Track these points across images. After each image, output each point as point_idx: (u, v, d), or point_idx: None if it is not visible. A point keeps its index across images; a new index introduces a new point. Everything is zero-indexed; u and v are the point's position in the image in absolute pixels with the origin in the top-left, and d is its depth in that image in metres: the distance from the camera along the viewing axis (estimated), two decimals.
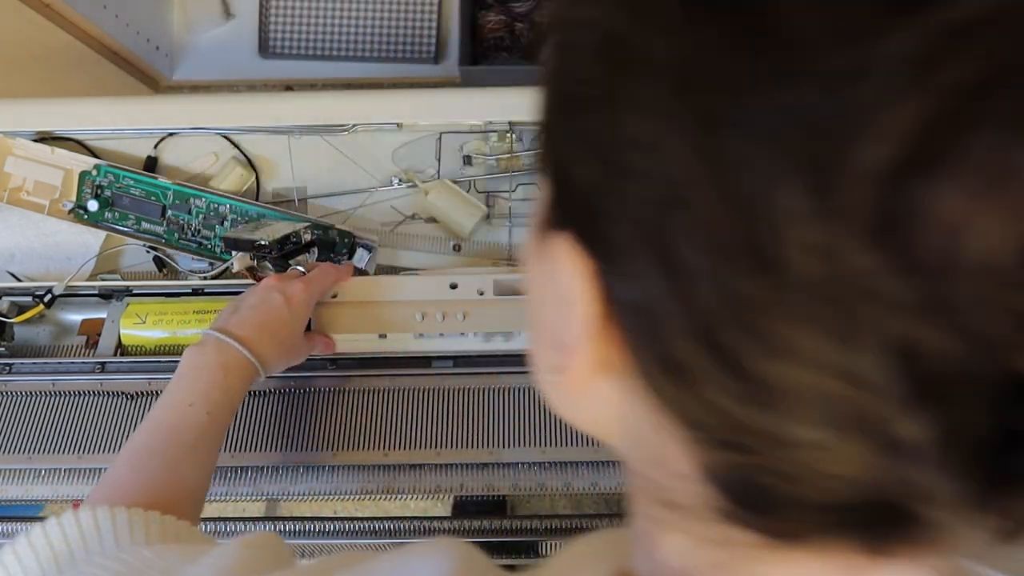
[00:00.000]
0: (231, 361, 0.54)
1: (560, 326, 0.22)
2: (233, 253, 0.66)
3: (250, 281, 0.65)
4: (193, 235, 0.72)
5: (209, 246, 0.72)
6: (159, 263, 0.74)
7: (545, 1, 1.24)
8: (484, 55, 1.19)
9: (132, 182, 0.72)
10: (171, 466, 0.50)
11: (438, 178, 0.73)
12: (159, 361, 0.65)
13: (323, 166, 0.74)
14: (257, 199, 0.74)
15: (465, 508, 1.13)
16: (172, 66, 1.34)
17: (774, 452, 0.17)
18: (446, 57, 1.32)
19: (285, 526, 0.64)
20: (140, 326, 0.66)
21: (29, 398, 0.65)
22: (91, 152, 0.74)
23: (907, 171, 0.14)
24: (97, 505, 0.42)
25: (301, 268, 0.63)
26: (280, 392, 0.64)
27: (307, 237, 0.65)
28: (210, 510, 1.24)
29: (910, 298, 0.15)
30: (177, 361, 0.64)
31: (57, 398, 0.64)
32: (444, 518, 0.63)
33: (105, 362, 0.65)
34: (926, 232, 0.15)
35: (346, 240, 0.70)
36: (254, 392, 0.64)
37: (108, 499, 0.44)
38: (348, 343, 0.63)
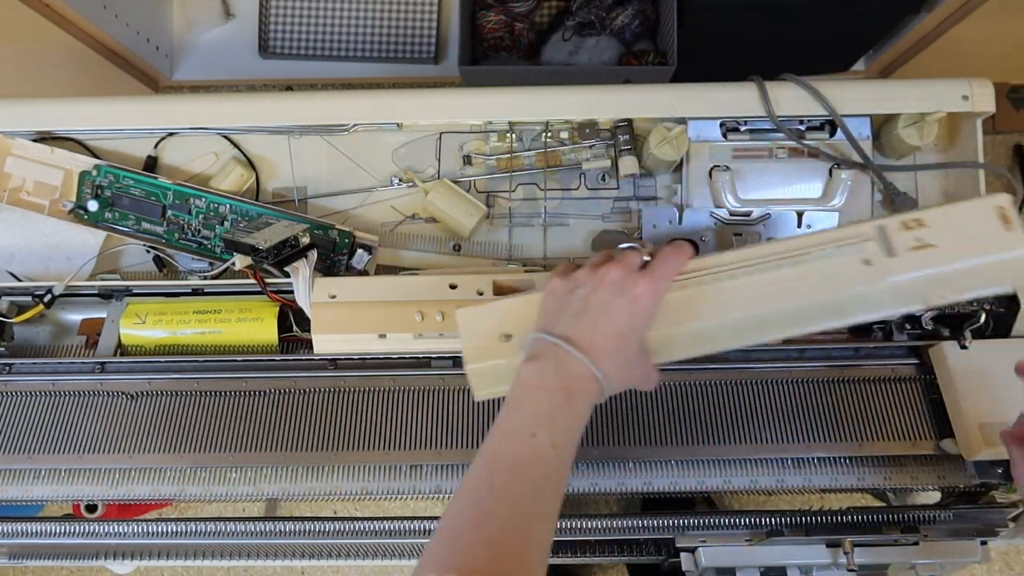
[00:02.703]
0: (576, 379, 0.46)
1: None
2: (234, 252, 0.66)
3: (251, 281, 0.65)
4: (193, 235, 0.72)
5: (209, 246, 0.72)
6: (159, 263, 0.74)
7: (544, 1, 1.24)
8: (484, 55, 1.19)
9: (132, 182, 0.72)
10: (518, 513, 0.42)
11: (438, 178, 0.73)
12: (159, 361, 0.65)
13: (323, 166, 0.74)
14: (257, 199, 0.74)
15: None
16: (172, 66, 1.34)
17: None
18: (446, 57, 1.32)
19: (285, 526, 0.64)
20: (140, 326, 0.66)
21: (29, 398, 0.65)
22: (91, 152, 0.74)
23: None
24: None
25: (637, 247, 0.52)
26: (280, 392, 0.64)
27: (305, 240, 0.65)
28: (210, 510, 1.24)
29: None
30: (177, 361, 0.65)
31: (57, 398, 0.64)
32: None
33: (105, 362, 0.66)
34: None
35: (346, 240, 0.70)
36: (255, 392, 0.64)
37: (457, 567, 0.38)
38: (348, 343, 0.63)
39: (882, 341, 0.64)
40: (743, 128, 0.72)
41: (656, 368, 0.52)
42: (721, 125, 0.71)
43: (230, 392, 0.64)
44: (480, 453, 0.45)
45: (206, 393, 0.64)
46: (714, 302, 0.51)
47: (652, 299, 0.49)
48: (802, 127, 0.71)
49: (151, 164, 0.74)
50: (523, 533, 0.41)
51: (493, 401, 0.62)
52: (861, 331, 0.67)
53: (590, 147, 0.73)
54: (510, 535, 0.41)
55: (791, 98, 0.70)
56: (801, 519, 0.61)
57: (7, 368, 0.66)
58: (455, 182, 0.73)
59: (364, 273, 0.70)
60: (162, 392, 0.64)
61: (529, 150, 0.73)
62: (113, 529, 0.65)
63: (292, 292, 0.64)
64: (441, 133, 0.74)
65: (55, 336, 0.72)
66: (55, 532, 0.65)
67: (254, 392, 0.64)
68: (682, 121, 0.71)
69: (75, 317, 0.72)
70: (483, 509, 0.42)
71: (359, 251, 0.70)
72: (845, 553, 0.59)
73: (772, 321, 0.52)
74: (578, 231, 0.73)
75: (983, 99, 0.69)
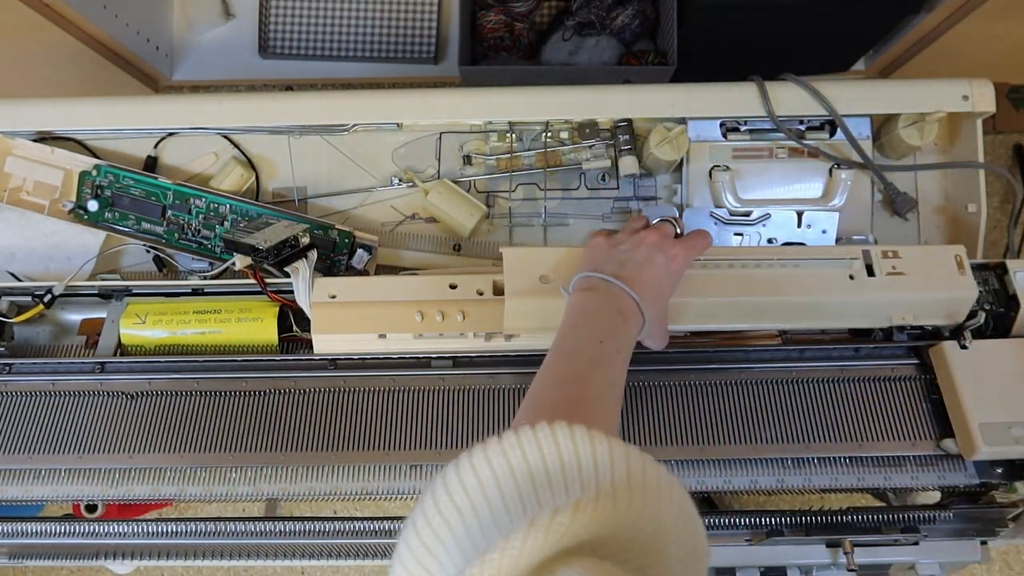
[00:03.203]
0: (627, 311, 0.52)
1: None
2: (234, 252, 0.66)
3: (251, 281, 0.65)
4: (193, 235, 0.72)
5: (209, 246, 0.72)
6: (159, 263, 0.74)
7: (544, 1, 1.24)
8: (484, 55, 1.19)
9: (132, 182, 0.72)
10: (599, 399, 0.47)
11: (438, 178, 0.73)
12: (159, 361, 0.65)
13: (323, 166, 0.74)
14: (257, 199, 0.74)
15: None
16: (172, 66, 1.34)
17: None
18: (446, 57, 1.32)
19: (285, 526, 0.64)
20: (140, 326, 0.66)
21: (29, 398, 0.65)
22: (91, 152, 0.74)
23: None
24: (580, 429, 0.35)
25: (674, 225, 0.59)
26: (280, 392, 0.64)
27: (305, 240, 0.65)
28: (210, 510, 1.24)
29: None
30: (177, 361, 0.65)
31: (57, 398, 0.64)
32: None
33: (105, 362, 0.65)
34: None
35: (346, 240, 0.70)
36: (255, 392, 0.64)
37: (542, 417, 0.38)
38: (348, 343, 0.63)
39: (882, 341, 0.64)
40: (743, 128, 0.72)
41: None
42: (721, 125, 0.72)
43: (230, 392, 0.64)
44: (553, 356, 0.50)
45: (206, 393, 0.64)
46: (722, 284, 0.60)
47: (685, 262, 0.56)
48: (802, 127, 0.71)
49: (151, 164, 0.74)
50: (607, 416, 0.46)
51: (490, 403, 0.62)
52: (861, 331, 0.67)
53: (590, 147, 0.73)
54: (589, 400, 0.46)
55: (791, 98, 0.70)
56: (801, 519, 0.61)
57: (7, 368, 0.66)
58: (455, 182, 0.73)
59: (364, 273, 0.70)
60: (162, 392, 0.64)
61: (529, 150, 0.73)
62: (113, 529, 0.65)
63: (292, 292, 0.64)
64: (441, 133, 0.74)
65: (55, 336, 0.72)
66: (55, 532, 0.65)
67: (254, 392, 0.64)
68: (682, 121, 0.71)
69: (75, 317, 0.72)
70: (562, 383, 0.47)
71: (359, 251, 0.70)
72: (845, 553, 0.59)
73: (766, 310, 0.61)
74: (578, 231, 0.73)
75: (983, 99, 0.69)
